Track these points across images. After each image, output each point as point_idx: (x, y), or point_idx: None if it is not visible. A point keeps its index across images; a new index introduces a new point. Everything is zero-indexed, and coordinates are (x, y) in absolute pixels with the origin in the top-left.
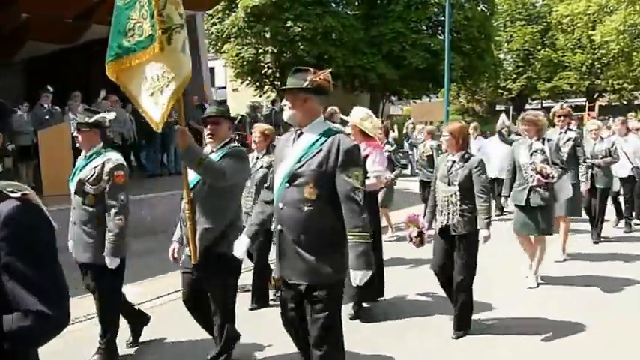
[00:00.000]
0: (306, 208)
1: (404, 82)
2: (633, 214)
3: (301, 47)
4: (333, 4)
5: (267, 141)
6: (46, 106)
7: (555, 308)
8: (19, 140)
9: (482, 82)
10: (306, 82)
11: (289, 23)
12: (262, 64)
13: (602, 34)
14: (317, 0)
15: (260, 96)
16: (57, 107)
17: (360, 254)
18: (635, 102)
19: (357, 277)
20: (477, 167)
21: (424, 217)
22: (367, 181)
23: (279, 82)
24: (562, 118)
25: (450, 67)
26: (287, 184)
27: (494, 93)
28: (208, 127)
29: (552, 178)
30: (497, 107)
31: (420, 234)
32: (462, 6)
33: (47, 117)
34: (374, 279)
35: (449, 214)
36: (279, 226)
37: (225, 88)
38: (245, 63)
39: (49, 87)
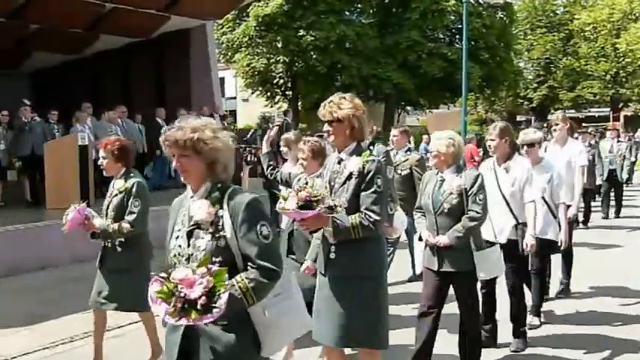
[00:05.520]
0: None
1: (420, 92)
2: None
3: (314, 56)
4: (347, 13)
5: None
6: (24, 118)
7: None
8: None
9: (502, 91)
10: None
11: (302, 32)
12: (274, 73)
13: (628, 41)
14: (330, 8)
15: (271, 106)
16: (36, 118)
17: None
18: None
19: None
20: None
21: None
22: None
23: (290, 92)
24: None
25: (468, 76)
26: None
27: (514, 103)
28: None
29: None
30: (518, 118)
31: None
32: (480, 14)
33: (26, 127)
34: None
35: None
36: None
37: (235, 98)
38: (256, 73)
39: (25, 100)
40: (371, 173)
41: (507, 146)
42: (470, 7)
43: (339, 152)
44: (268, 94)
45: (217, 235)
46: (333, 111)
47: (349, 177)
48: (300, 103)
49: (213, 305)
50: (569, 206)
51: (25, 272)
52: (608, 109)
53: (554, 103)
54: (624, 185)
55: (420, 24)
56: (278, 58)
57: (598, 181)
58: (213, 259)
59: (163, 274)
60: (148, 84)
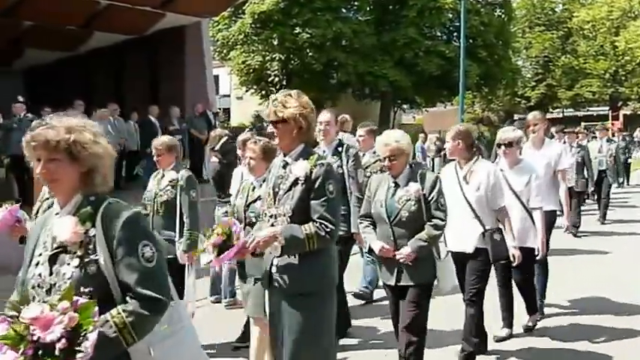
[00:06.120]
0: None
1: (417, 90)
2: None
3: (310, 54)
4: (344, 10)
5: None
6: (16, 115)
7: None
8: None
9: (500, 89)
10: None
11: (298, 29)
12: (269, 71)
13: (627, 40)
14: (326, 5)
15: (266, 105)
16: (29, 115)
17: None
18: None
19: None
20: None
21: None
22: None
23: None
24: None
25: (466, 74)
26: None
27: (512, 101)
28: None
29: None
30: (515, 116)
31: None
32: (479, 11)
33: (15, 125)
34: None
35: None
36: None
37: (229, 96)
38: (251, 70)
39: (19, 97)
40: (320, 179)
41: (463, 149)
42: (468, 4)
43: (284, 155)
44: (263, 92)
45: (87, 260)
46: (278, 110)
47: (295, 183)
48: None
49: (77, 349)
50: (551, 211)
51: (13, 273)
52: (607, 107)
53: (553, 102)
54: (612, 186)
55: (418, 21)
56: (274, 56)
57: (591, 187)
58: (82, 289)
59: (12, 313)
60: (142, 81)
